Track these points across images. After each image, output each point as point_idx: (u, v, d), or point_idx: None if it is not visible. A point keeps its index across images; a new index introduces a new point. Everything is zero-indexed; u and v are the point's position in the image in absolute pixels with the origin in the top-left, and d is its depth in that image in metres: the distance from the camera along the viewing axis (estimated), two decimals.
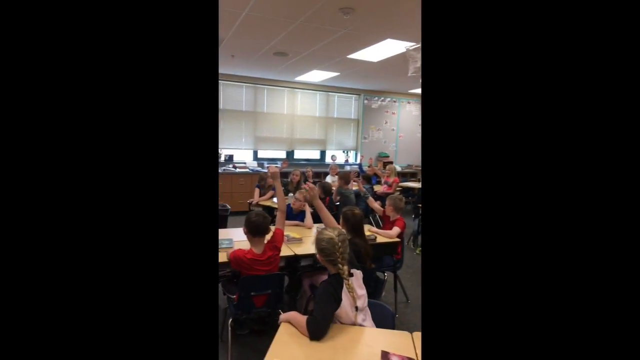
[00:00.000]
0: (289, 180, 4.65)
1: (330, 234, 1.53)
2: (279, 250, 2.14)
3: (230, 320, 2.09)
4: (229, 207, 4.82)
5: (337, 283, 1.48)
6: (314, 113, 6.99)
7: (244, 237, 2.16)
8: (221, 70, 5.80)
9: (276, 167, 2.61)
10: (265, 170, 5.27)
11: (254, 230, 2.02)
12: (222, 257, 2.18)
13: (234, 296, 2.09)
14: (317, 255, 1.57)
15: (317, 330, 1.35)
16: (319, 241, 1.54)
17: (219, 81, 6.11)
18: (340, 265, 1.48)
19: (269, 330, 2.35)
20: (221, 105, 6.22)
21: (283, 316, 1.48)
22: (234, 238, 2.48)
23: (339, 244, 1.49)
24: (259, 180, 4.33)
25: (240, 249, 2.06)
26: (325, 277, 2.16)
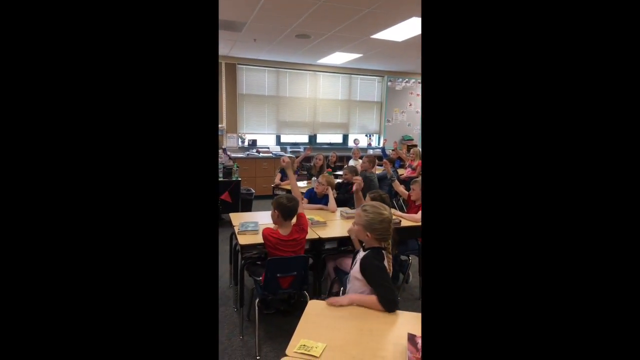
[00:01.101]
0: (312, 164, 4.66)
1: (384, 213, 1.55)
2: (306, 233, 2.20)
3: (257, 300, 2.15)
4: (253, 191, 4.92)
5: (379, 255, 1.54)
6: (336, 96, 6.91)
7: (269, 220, 2.20)
8: (243, 54, 5.80)
9: (289, 156, 2.64)
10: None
11: (286, 214, 2.09)
12: (248, 239, 2.24)
13: (260, 278, 2.15)
14: (365, 233, 1.54)
15: (392, 303, 1.43)
16: (371, 221, 1.52)
17: (242, 66, 6.13)
18: (389, 241, 1.57)
19: (294, 310, 2.41)
20: (244, 90, 6.25)
21: (344, 300, 1.48)
22: (259, 221, 2.53)
23: (391, 221, 1.57)
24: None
25: (269, 228, 2.14)
26: (348, 260, 2.19)
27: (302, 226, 2.17)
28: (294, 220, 2.16)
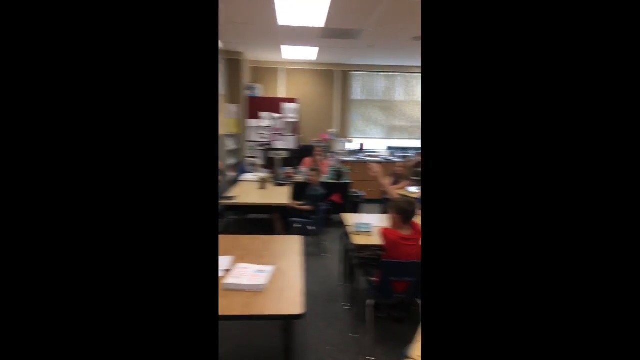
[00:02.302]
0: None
1: None
2: None
3: (371, 301, 2.17)
4: (363, 194, 4.98)
5: None
6: None
7: (381, 223, 2.19)
8: (357, 61, 5.95)
9: (378, 164, 2.66)
10: (399, 160, 5.21)
11: (406, 217, 2.12)
12: (363, 240, 2.28)
13: (374, 279, 2.17)
14: None
15: None
16: None
17: (354, 72, 6.29)
18: None
19: (407, 318, 2.35)
20: (355, 96, 6.40)
21: None
22: (371, 223, 2.54)
23: None
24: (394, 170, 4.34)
25: (388, 228, 2.17)
26: None
27: (418, 228, 2.16)
28: None
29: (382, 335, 2.27)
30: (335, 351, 2.12)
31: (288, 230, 3.66)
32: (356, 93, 6.43)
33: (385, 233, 2.10)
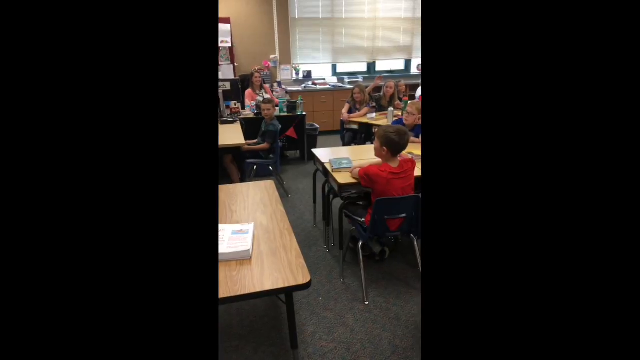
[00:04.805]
0: (381, 94, 4.19)
1: None
2: (414, 163, 1.97)
3: (361, 243, 1.97)
4: (318, 127, 4.60)
5: None
6: (398, 14, 6.05)
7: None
8: None
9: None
10: (351, 87, 4.83)
11: (396, 150, 1.87)
12: (347, 178, 1.99)
13: (362, 219, 1.94)
14: None
15: None
16: None
17: None
18: None
19: (397, 254, 2.23)
20: (296, 15, 5.62)
21: None
22: (350, 158, 2.24)
23: None
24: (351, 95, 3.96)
25: (372, 165, 1.90)
26: None
27: (404, 156, 1.97)
28: None
29: (372, 275, 2.12)
30: (329, 301, 1.93)
31: (243, 175, 3.24)
32: (298, 11, 5.63)
33: (375, 173, 1.84)
